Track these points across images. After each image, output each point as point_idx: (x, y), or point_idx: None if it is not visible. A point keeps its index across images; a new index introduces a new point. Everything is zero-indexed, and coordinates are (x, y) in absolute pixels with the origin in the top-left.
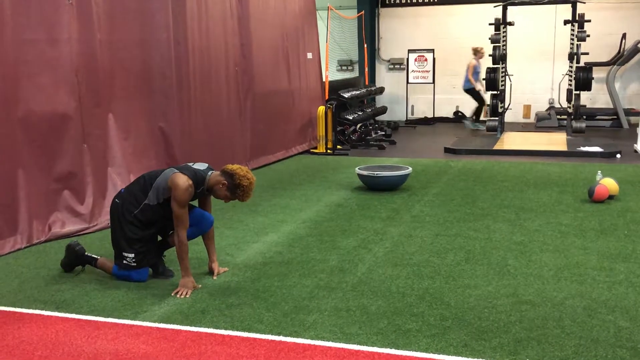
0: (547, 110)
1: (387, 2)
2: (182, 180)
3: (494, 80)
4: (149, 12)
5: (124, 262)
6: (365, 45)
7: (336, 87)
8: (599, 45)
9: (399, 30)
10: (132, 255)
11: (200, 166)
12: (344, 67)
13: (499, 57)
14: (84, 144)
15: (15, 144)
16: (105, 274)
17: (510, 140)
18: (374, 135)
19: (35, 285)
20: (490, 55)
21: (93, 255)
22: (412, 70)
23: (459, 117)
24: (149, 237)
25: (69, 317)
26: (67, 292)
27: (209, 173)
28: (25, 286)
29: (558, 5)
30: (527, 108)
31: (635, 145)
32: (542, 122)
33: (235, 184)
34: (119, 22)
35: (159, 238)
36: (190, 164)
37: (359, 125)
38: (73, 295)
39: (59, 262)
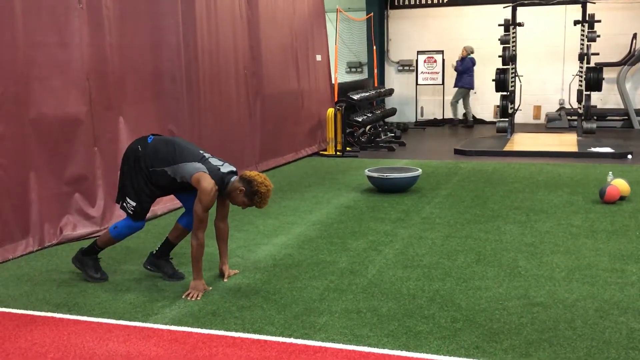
0: (557, 111)
1: (396, 3)
2: (210, 186)
3: (504, 81)
4: (159, 15)
5: (124, 204)
6: (375, 47)
7: (345, 89)
8: (610, 46)
9: (408, 32)
10: (135, 204)
11: (226, 168)
12: (353, 69)
13: (509, 58)
14: (95, 147)
15: (27, 147)
16: (118, 268)
17: (521, 142)
18: (383, 137)
19: (47, 288)
20: (500, 56)
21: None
22: (422, 72)
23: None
24: (155, 194)
25: (81, 319)
26: (79, 294)
27: (232, 179)
28: (37, 289)
29: (568, 6)
30: (537, 109)
31: None
32: (553, 123)
33: (253, 191)
34: (129, 25)
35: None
36: (219, 163)
37: (368, 127)
38: (85, 298)
39: (70, 266)
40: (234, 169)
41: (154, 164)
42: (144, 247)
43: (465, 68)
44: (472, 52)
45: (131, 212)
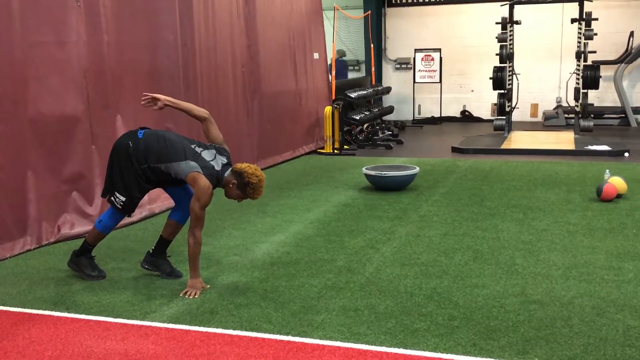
0: (554, 109)
1: (393, 1)
2: (207, 184)
3: (501, 79)
4: (156, 13)
5: (112, 199)
6: (372, 45)
7: (343, 87)
8: (607, 44)
9: (406, 30)
10: (124, 199)
11: (218, 163)
12: (351, 67)
13: (506, 56)
14: (93, 145)
15: (25, 146)
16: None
17: (518, 140)
18: (381, 135)
19: (44, 286)
20: (497, 54)
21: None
22: (419, 70)
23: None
24: (146, 189)
25: (79, 317)
26: (77, 293)
27: (226, 174)
28: (35, 287)
29: (565, 4)
30: (535, 107)
31: None
32: (550, 121)
33: (245, 182)
34: (127, 23)
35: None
36: (211, 158)
37: (365, 125)
38: (82, 296)
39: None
40: (225, 160)
41: (147, 160)
42: (141, 245)
43: (336, 71)
44: (344, 55)
45: (120, 207)
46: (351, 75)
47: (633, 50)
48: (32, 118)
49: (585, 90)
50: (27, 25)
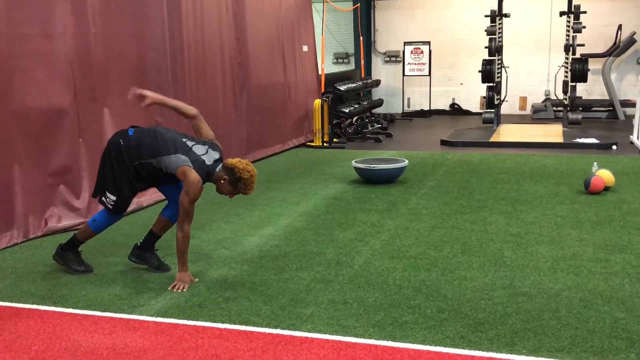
0: (543, 102)
1: None
2: (197, 178)
3: (490, 72)
4: (144, 5)
5: (104, 199)
6: (361, 38)
7: (332, 80)
8: (595, 37)
9: (395, 23)
10: (115, 198)
11: (210, 158)
12: (340, 60)
13: (495, 49)
14: (80, 138)
15: (11, 139)
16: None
17: (507, 132)
18: (370, 128)
19: (32, 280)
20: (486, 47)
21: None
22: (408, 63)
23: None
24: (137, 188)
25: (66, 311)
26: (64, 286)
27: (217, 169)
28: (22, 281)
29: None
30: (523, 100)
31: (631, 136)
32: (538, 114)
33: (236, 178)
34: (114, 15)
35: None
36: (202, 152)
37: (355, 118)
38: (70, 290)
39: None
40: (217, 156)
41: (138, 157)
42: (129, 239)
43: None
44: None
45: (111, 207)
46: (340, 68)
47: (621, 44)
48: (18, 111)
49: (574, 83)
50: (13, 17)
